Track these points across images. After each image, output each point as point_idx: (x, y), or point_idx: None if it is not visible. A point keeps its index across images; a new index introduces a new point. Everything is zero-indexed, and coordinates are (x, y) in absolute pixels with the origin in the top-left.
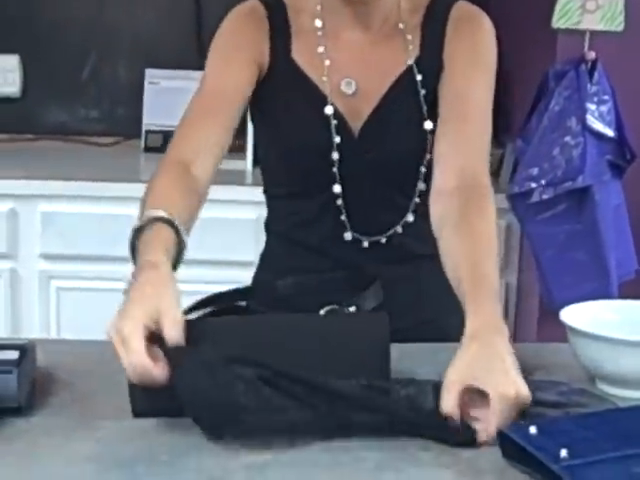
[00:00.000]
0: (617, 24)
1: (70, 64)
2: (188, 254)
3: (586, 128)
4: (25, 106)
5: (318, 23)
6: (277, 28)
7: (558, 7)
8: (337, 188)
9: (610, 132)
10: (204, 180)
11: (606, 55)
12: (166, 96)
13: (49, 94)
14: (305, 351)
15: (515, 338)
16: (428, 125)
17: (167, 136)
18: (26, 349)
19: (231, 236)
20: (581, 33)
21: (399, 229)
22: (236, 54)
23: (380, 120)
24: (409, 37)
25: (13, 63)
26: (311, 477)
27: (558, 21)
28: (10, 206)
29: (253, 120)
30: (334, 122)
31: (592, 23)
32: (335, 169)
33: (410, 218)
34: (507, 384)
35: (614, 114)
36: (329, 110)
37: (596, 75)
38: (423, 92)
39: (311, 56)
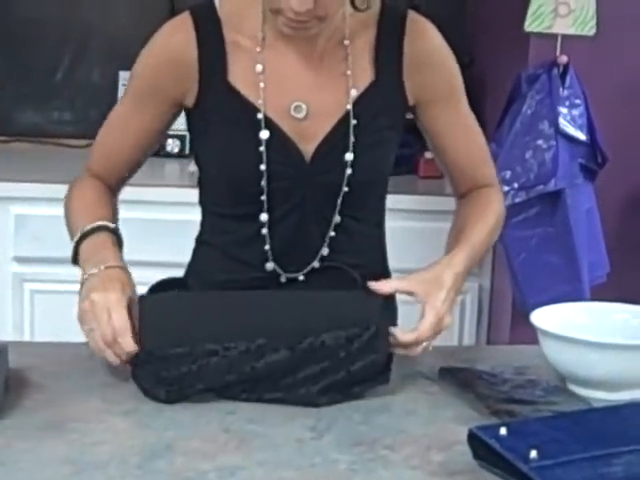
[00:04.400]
0: (588, 28)
1: (44, 66)
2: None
3: (558, 132)
4: None
5: (258, 40)
6: (209, 48)
7: (530, 11)
8: (264, 217)
9: (582, 136)
10: (118, 189)
11: (578, 59)
12: None
13: (23, 96)
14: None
15: (488, 340)
16: (349, 156)
17: None
18: None
19: None
20: (553, 37)
21: (316, 264)
22: (149, 100)
23: (333, 144)
24: (350, 56)
25: None
26: (283, 479)
27: (530, 25)
28: None
29: (191, 139)
30: (265, 147)
31: (564, 27)
32: (264, 197)
33: (325, 251)
34: (441, 307)
35: (586, 118)
36: (264, 135)
37: (568, 79)
38: (354, 122)
39: (248, 77)
